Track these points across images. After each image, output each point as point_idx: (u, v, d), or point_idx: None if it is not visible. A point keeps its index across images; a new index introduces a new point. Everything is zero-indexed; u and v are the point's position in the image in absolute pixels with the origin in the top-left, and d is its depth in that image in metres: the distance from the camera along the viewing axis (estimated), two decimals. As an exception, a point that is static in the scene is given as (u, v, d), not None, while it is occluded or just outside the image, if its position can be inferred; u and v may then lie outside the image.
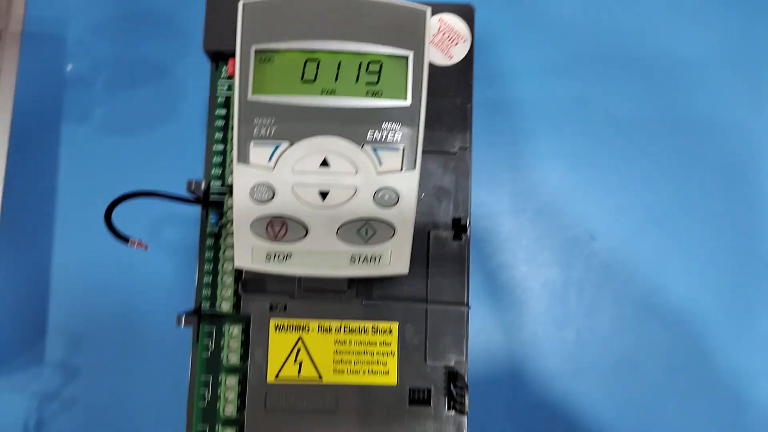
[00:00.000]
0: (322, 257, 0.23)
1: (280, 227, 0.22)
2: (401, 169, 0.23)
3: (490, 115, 0.42)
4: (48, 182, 0.41)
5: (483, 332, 0.40)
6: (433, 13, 0.26)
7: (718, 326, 0.40)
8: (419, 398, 0.25)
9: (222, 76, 0.27)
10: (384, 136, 0.22)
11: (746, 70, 0.43)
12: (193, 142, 0.41)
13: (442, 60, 0.26)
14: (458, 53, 0.26)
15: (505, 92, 0.43)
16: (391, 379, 0.25)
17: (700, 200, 0.41)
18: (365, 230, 0.23)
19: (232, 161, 0.25)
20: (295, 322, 0.25)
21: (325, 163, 0.22)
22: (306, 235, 0.23)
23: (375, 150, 0.22)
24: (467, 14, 0.26)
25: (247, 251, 0.23)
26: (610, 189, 0.42)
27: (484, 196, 0.42)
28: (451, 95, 0.26)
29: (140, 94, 0.42)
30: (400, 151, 0.22)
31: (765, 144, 0.42)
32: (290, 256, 0.23)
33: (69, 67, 0.43)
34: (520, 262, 0.41)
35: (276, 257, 0.23)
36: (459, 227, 0.25)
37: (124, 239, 0.23)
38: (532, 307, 0.40)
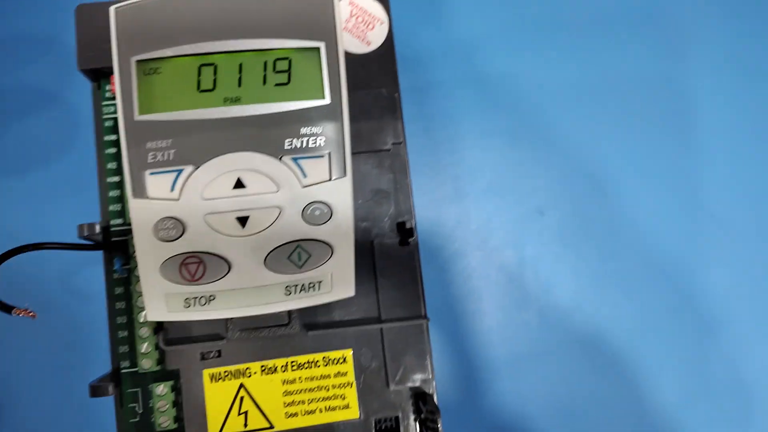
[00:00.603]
0: (251, 294, 0.19)
1: (196, 266, 0.19)
2: (330, 178, 0.19)
3: (418, 101, 0.40)
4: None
5: (443, 325, 0.38)
6: (342, -5, 0.23)
7: (678, 282, 0.39)
8: (387, 428, 0.22)
9: (106, 96, 0.23)
10: (305, 143, 0.19)
11: (663, 22, 0.42)
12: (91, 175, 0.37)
13: (360, 47, 0.23)
14: (376, 38, 0.23)
15: (429, 75, 0.41)
16: (353, 413, 0.22)
17: (643, 158, 0.41)
18: (297, 255, 0.19)
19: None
20: (233, 368, 0.22)
21: (239, 183, 0.19)
22: (229, 271, 0.19)
23: (296, 160, 0.19)
24: (380, -8, 0.23)
25: (161, 300, 0.19)
26: (552, 160, 0.41)
27: (426, 183, 0.40)
28: (375, 85, 0.23)
29: (30, 126, 0.38)
30: (326, 158, 0.19)
31: (697, 94, 0.42)
32: (213, 298, 0.19)
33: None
34: (472, 248, 0.40)
35: (197, 302, 0.19)
36: (404, 231, 0.22)
37: (6, 309, 0.19)
38: (491, 292, 0.39)
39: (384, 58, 0.23)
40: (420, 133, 0.40)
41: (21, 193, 0.37)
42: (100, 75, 0.23)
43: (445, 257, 0.40)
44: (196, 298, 0.19)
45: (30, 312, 0.19)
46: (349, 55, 0.23)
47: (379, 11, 0.23)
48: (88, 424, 0.34)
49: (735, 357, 0.38)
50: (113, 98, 0.23)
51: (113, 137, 0.23)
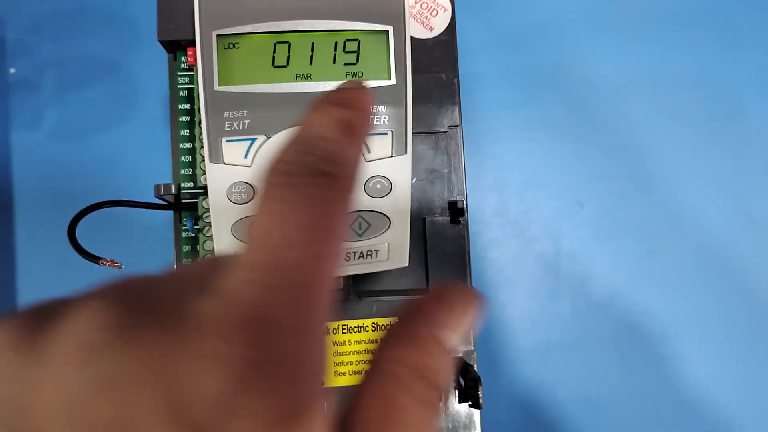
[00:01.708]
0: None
1: (264, 229, 0.20)
2: (392, 155, 0.21)
3: (464, 90, 0.41)
4: (3, 196, 0.38)
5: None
6: (409, -19, 0.24)
7: (715, 282, 0.39)
8: (428, 395, 0.23)
9: (182, 67, 0.25)
10: (371, 121, 0.20)
11: (715, 24, 0.42)
12: (155, 141, 0.39)
13: (423, 33, 0.24)
14: (439, 24, 0.24)
15: (474, 66, 0.42)
16: (397, 378, 0.23)
17: (688, 157, 0.41)
18: (358, 224, 0.21)
19: (203, 160, 0.23)
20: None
21: (307, 154, 0.20)
22: (294, 235, 0.21)
23: (361, 136, 0.20)
24: (446, -19, 0.24)
25: (231, 258, 0.21)
26: (594, 154, 0.41)
27: (468, 171, 0.40)
28: (436, 70, 0.24)
29: (92, 94, 0.40)
30: (389, 136, 0.21)
31: (747, 95, 0.41)
32: (278, 259, 0.21)
33: (12, 71, 0.40)
34: (509, 237, 0.40)
35: (263, 262, 0.21)
36: (456, 210, 0.23)
37: (94, 259, 0.20)
38: (526, 281, 0.40)
39: (445, 44, 0.24)
40: (464, 123, 0.41)
41: (83, 155, 0.39)
42: (176, 47, 0.25)
43: (482, 244, 0.40)
44: (262, 258, 0.21)
45: (116, 263, 0.20)
46: (412, 40, 0.24)
47: (443, -1, 0.24)
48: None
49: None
50: (188, 69, 0.25)
51: (187, 106, 0.24)
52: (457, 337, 0.13)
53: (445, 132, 0.24)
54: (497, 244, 0.40)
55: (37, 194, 0.38)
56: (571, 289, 0.39)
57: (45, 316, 0.11)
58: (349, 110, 0.14)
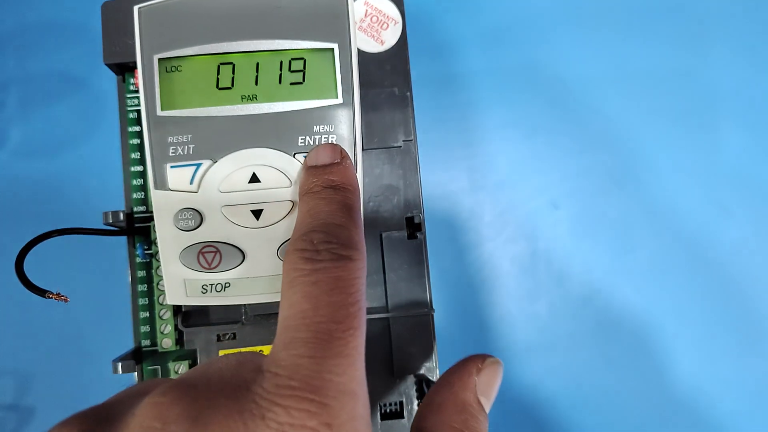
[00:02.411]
0: (264, 282, 0.20)
1: (213, 255, 0.20)
2: (340, 175, 0.20)
3: (436, 92, 0.41)
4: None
5: (455, 315, 0.39)
6: (357, -5, 0.23)
7: (693, 276, 0.39)
8: (391, 412, 0.23)
9: (130, 89, 0.24)
10: (317, 141, 0.20)
11: (685, 17, 0.42)
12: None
13: (373, 47, 0.24)
14: (390, 38, 0.24)
15: (448, 66, 0.41)
16: (359, 397, 0.23)
17: (662, 152, 0.41)
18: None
19: (152, 185, 0.22)
20: (246, 350, 0.23)
21: (254, 178, 0.20)
22: (243, 260, 0.20)
23: (308, 157, 0.20)
24: (394, -7, 0.23)
25: (180, 285, 0.20)
26: (567, 153, 0.41)
27: (441, 175, 0.40)
28: (388, 84, 0.24)
29: (57, 111, 0.39)
30: (337, 155, 0.20)
31: (720, 91, 0.41)
32: (228, 285, 0.20)
33: (-27, 90, 0.39)
34: (485, 240, 0.40)
35: (213, 288, 0.20)
36: (413, 225, 0.23)
37: (41, 292, 0.20)
38: (503, 283, 0.40)
39: (397, 57, 0.24)
40: (435, 123, 0.41)
41: (49, 173, 0.38)
42: (124, 69, 0.24)
43: (458, 247, 0.40)
44: (212, 284, 0.20)
45: (62, 296, 0.20)
46: (362, 54, 0.23)
47: (393, 11, 0.24)
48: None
49: (749, 346, 0.39)
50: (137, 91, 0.24)
51: (137, 128, 0.24)
52: (491, 402, 0.16)
53: (400, 146, 0.23)
54: (473, 247, 0.40)
55: (6, 211, 0.38)
56: (549, 288, 0.39)
57: (107, 419, 0.12)
58: (345, 193, 0.17)
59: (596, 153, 0.41)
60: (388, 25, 0.24)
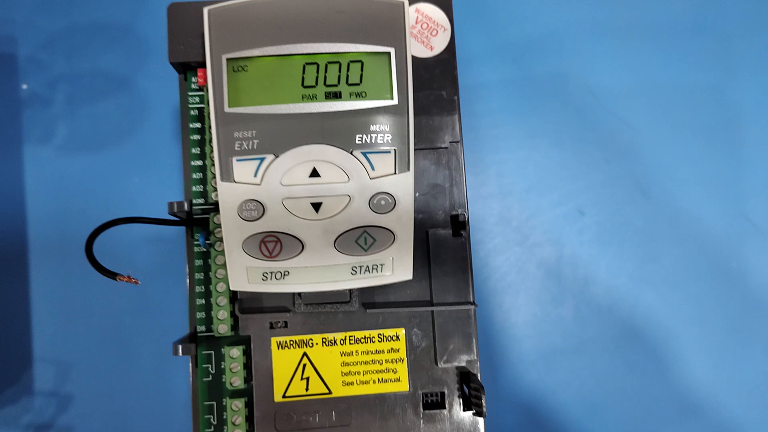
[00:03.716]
0: (321, 271, 0.22)
1: (274, 245, 0.21)
2: (395, 172, 0.21)
3: (467, 100, 0.42)
4: (16, 210, 0.39)
5: (482, 317, 0.39)
6: (410, 3, 0.25)
7: (716, 288, 0.40)
8: (433, 402, 0.24)
9: (192, 87, 0.26)
10: (373, 139, 0.21)
11: (713, 34, 0.43)
12: (165, 153, 0.40)
13: (423, 52, 0.25)
14: (439, 44, 0.25)
15: (480, 74, 0.42)
16: (403, 386, 0.24)
17: (687, 165, 0.41)
18: (364, 239, 0.22)
19: (213, 178, 0.24)
20: (297, 338, 0.24)
21: (314, 173, 0.21)
22: (302, 250, 0.21)
23: (365, 154, 0.21)
24: (445, 3, 0.25)
25: (242, 273, 0.21)
26: (594, 163, 0.41)
27: (471, 179, 0.41)
28: (436, 88, 0.25)
29: (103, 108, 0.41)
30: (392, 154, 0.21)
31: (744, 105, 0.42)
32: (288, 273, 0.21)
33: (24, 87, 0.41)
34: (512, 244, 0.41)
35: (273, 276, 0.21)
36: (458, 224, 0.24)
37: (111, 275, 0.21)
38: (529, 287, 0.40)
39: (445, 62, 0.25)
40: (466, 132, 0.41)
41: (95, 168, 0.40)
42: (186, 68, 0.25)
43: (485, 251, 0.41)
44: (272, 272, 0.21)
45: (133, 279, 0.21)
46: (413, 59, 0.25)
47: (442, 19, 0.25)
48: (157, 385, 0.37)
49: (768, 362, 0.39)
50: (198, 89, 0.25)
51: (197, 125, 0.25)
52: None
53: (447, 147, 0.25)
54: (500, 251, 0.41)
55: (52, 206, 0.39)
56: (574, 294, 0.40)
57: None
58: None
59: (623, 163, 0.42)
60: (437, 31, 0.25)
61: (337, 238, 0.21)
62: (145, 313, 0.37)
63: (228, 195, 0.21)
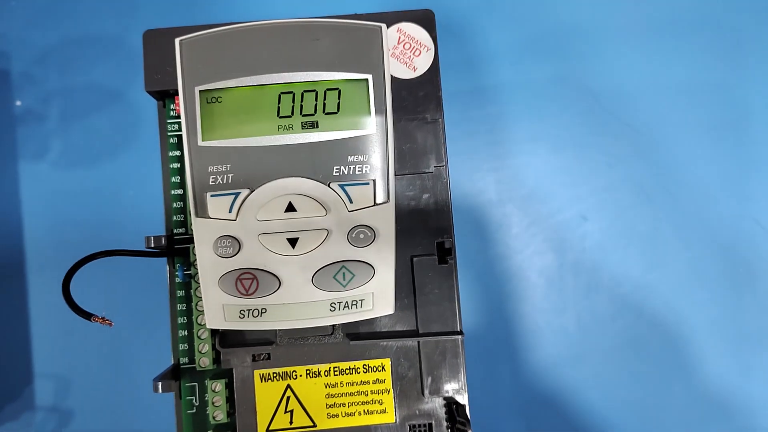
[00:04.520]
0: (299, 308, 0.21)
1: (250, 281, 0.21)
2: (374, 204, 0.21)
3: (466, 104, 0.41)
4: (13, 226, 0.39)
5: (483, 327, 0.39)
6: (391, 23, 0.24)
7: (722, 295, 0.39)
8: (421, 433, 0.24)
9: (171, 114, 0.25)
10: (351, 171, 0.21)
11: (720, 30, 0.41)
12: (158, 169, 0.39)
13: (406, 73, 0.24)
14: (422, 64, 0.24)
15: (478, 78, 0.41)
16: (389, 417, 0.23)
17: (693, 167, 0.40)
18: (342, 274, 0.21)
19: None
20: (281, 370, 0.24)
21: (291, 207, 0.21)
22: (279, 287, 0.21)
23: (343, 186, 0.21)
24: (428, 21, 0.24)
25: (219, 310, 0.21)
26: (597, 166, 0.40)
27: (469, 187, 0.40)
28: (420, 110, 0.24)
29: (97, 122, 0.41)
30: (371, 185, 0.21)
31: (753, 104, 0.41)
32: (265, 311, 0.21)
33: (18, 103, 0.41)
34: (513, 252, 0.40)
35: (250, 313, 0.21)
36: (443, 251, 0.24)
37: (86, 315, 0.21)
38: (530, 296, 0.40)
39: (429, 83, 0.24)
40: (464, 136, 0.41)
41: (90, 182, 0.40)
42: (164, 95, 0.25)
43: (486, 259, 0.40)
44: (249, 310, 0.21)
45: (107, 320, 0.21)
46: (395, 80, 0.24)
47: (426, 38, 0.24)
48: (156, 401, 0.37)
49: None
50: (177, 117, 0.25)
51: (177, 153, 0.25)
52: None
53: (431, 172, 0.24)
54: (501, 259, 0.40)
55: (49, 221, 0.39)
56: (577, 301, 0.39)
57: None
58: None
59: (626, 166, 0.41)
60: (420, 51, 0.24)
61: (314, 274, 0.21)
62: (143, 328, 0.37)
63: (203, 231, 0.21)
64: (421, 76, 0.24)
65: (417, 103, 0.24)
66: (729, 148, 0.40)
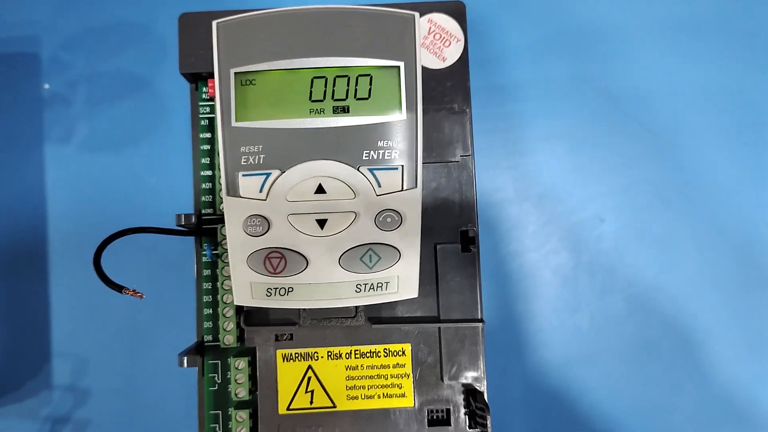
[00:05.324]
0: (325, 288, 0.21)
1: (278, 261, 0.21)
2: (402, 189, 0.21)
3: (483, 101, 0.41)
4: (37, 208, 0.40)
5: (495, 324, 0.39)
6: (423, 13, 0.24)
7: (735, 299, 0.39)
8: (438, 418, 0.24)
9: (203, 97, 0.25)
10: (381, 155, 0.21)
11: (738, 34, 0.41)
12: (183, 154, 0.40)
13: (435, 63, 0.24)
14: (452, 55, 0.24)
15: (496, 76, 0.41)
16: (408, 402, 0.24)
17: (711, 170, 0.40)
18: (369, 256, 0.21)
19: (221, 190, 0.24)
20: (303, 350, 0.24)
21: (320, 189, 0.21)
22: (306, 266, 0.21)
23: (372, 171, 0.21)
24: (458, 13, 0.24)
25: (246, 288, 0.21)
26: (614, 167, 0.40)
27: (487, 184, 0.40)
28: (448, 100, 0.24)
29: (122, 109, 0.41)
30: (399, 170, 0.21)
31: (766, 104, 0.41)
32: (291, 289, 0.21)
33: (46, 87, 0.41)
34: (528, 250, 0.40)
35: (277, 292, 0.21)
36: (467, 239, 0.24)
37: (117, 288, 0.22)
38: (544, 294, 0.40)
39: (458, 74, 0.24)
40: (483, 133, 0.41)
41: (114, 167, 0.40)
42: (198, 78, 0.25)
43: (500, 256, 0.40)
44: (276, 288, 0.21)
45: (138, 293, 0.21)
46: (424, 70, 0.24)
47: (456, 29, 0.24)
48: (172, 382, 0.38)
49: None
50: (209, 100, 0.25)
51: (208, 135, 0.25)
52: None
53: (458, 161, 0.24)
54: (515, 256, 0.40)
55: (73, 204, 0.40)
56: (591, 301, 0.39)
57: None
58: None
59: (643, 168, 0.40)
60: (450, 42, 0.24)
61: (341, 255, 0.21)
62: (161, 310, 0.37)
63: (233, 210, 0.21)
64: (450, 66, 0.24)
65: (445, 93, 0.24)
66: (747, 153, 0.40)
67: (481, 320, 0.24)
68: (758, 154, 0.40)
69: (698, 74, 0.41)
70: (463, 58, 0.24)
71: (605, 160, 0.40)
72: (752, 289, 0.39)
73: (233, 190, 0.21)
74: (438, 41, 0.24)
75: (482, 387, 0.24)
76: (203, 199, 0.25)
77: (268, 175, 0.21)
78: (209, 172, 0.25)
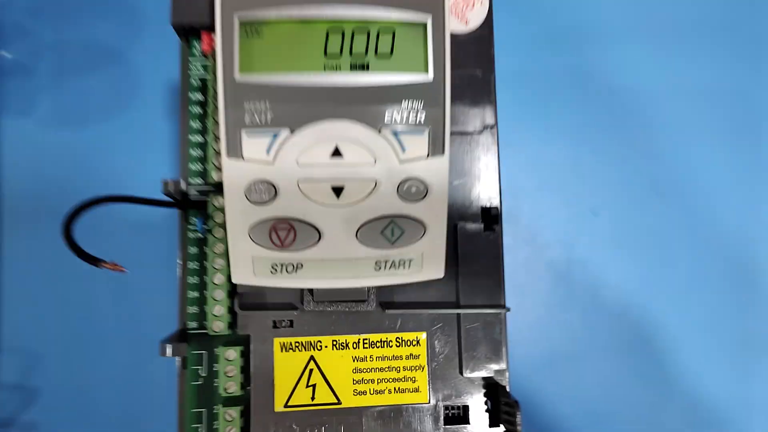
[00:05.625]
0: (340, 265, 0.19)
1: (286, 232, 0.19)
2: (428, 155, 0.19)
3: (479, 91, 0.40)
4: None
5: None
6: (445, -31, 0.22)
7: (731, 295, 0.38)
8: (456, 416, 0.22)
9: (195, 54, 0.23)
10: (405, 118, 0.19)
11: (741, 35, 0.41)
12: (157, 132, 0.37)
13: (458, 26, 0.22)
14: (475, 18, 0.22)
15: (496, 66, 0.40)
16: (422, 397, 0.21)
17: (706, 167, 0.40)
18: (391, 230, 0.19)
19: (215, 155, 0.21)
20: (304, 339, 0.21)
21: (336, 152, 0.18)
22: (319, 239, 0.19)
23: (396, 134, 0.19)
24: (485, -30, 0.22)
25: (247, 263, 0.19)
26: (611, 162, 0.40)
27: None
28: (471, 66, 0.22)
29: (91, 82, 0.38)
30: (426, 134, 0.19)
31: (765, 105, 0.41)
32: (301, 266, 0.19)
33: (7, 55, 0.38)
34: (521, 243, 0.39)
35: (284, 268, 0.19)
36: (489, 218, 0.22)
37: (94, 261, 0.18)
38: (536, 289, 0.38)
39: (482, 39, 0.22)
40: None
41: (77, 145, 0.37)
42: (190, 32, 0.23)
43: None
44: (283, 264, 0.19)
45: (118, 266, 0.18)
46: (446, 33, 0.22)
47: (481, -11, 0.22)
48: (133, 383, 0.34)
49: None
50: (202, 56, 0.23)
51: (199, 96, 0.22)
52: None
53: (480, 132, 0.22)
54: (508, 249, 0.38)
55: (30, 183, 0.36)
56: (583, 297, 0.38)
57: None
58: None
59: (640, 163, 0.40)
60: (474, 4, 0.22)
61: (359, 228, 0.19)
62: (126, 303, 0.35)
63: (234, 174, 0.18)
64: (474, 30, 0.22)
65: (468, 58, 0.22)
66: (744, 153, 0.40)
67: (504, 306, 0.21)
68: (755, 155, 0.40)
69: (699, 74, 0.41)
70: (488, 21, 0.22)
71: (601, 156, 0.40)
72: (748, 288, 0.39)
73: (235, 151, 0.18)
74: (461, 2, 0.22)
75: (504, 381, 0.21)
76: (191, 167, 0.22)
77: (276, 134, 0.18)
78: (200, 138, 0.22)
